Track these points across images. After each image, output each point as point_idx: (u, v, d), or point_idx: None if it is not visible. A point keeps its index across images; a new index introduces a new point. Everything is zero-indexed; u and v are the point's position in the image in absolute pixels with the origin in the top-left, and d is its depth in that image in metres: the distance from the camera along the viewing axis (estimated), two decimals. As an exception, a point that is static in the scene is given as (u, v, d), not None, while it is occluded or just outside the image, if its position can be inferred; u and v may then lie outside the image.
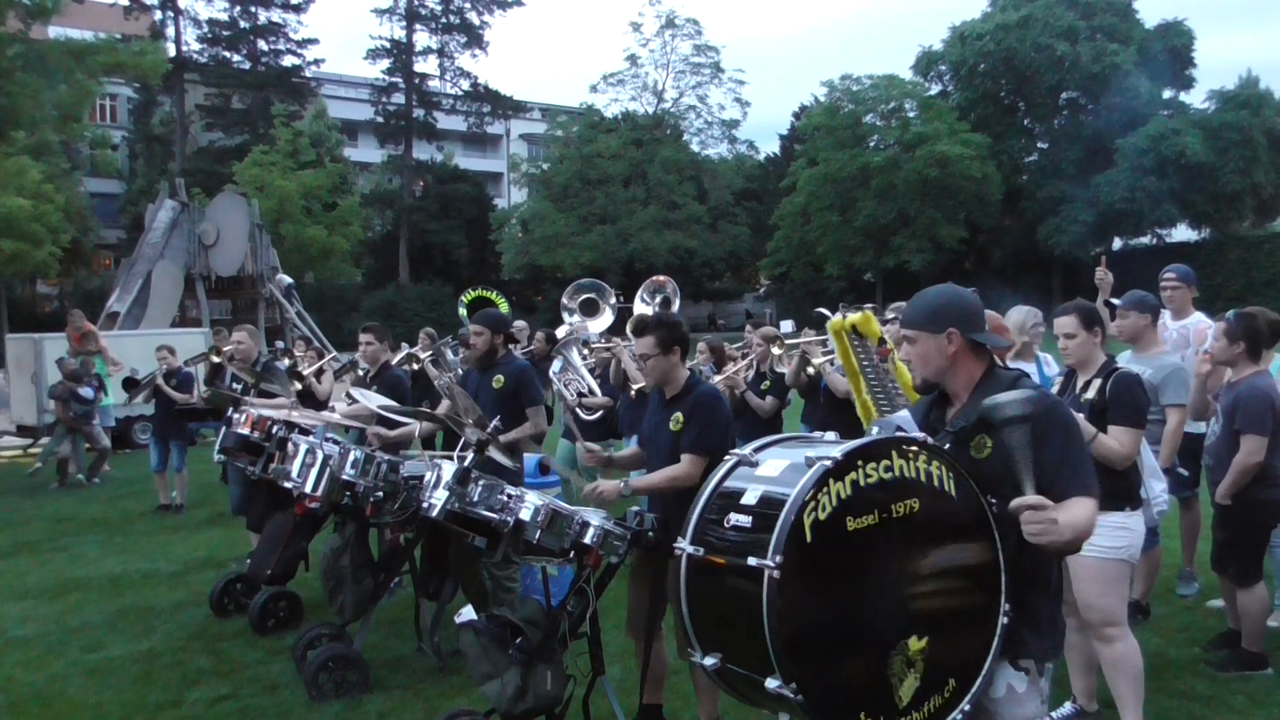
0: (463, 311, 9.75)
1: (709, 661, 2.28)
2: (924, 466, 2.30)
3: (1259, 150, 36.09)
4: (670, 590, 2.41)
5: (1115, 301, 4.95)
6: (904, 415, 2.69)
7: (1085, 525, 2.32)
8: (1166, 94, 40.18)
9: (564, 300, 8.67)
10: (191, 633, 5.91)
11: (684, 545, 2.37)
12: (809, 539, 2.11)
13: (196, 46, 44.92)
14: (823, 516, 2.13)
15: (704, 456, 3.80)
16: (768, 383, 6.97)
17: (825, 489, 2.14)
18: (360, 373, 7.01)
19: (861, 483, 2.20)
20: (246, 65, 45.26)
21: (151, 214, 23.48)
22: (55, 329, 16.02)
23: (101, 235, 43.01)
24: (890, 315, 5.85)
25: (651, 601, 3.92)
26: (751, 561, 2.12)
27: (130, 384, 10.02)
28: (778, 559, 2.07)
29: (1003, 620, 2.38)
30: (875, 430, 2.38)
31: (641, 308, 8.29)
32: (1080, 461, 2.41)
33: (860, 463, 2.21)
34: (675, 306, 8.36)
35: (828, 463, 2.17)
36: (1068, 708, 4.19)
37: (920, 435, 2.38)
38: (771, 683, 2.08)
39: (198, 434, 11.43)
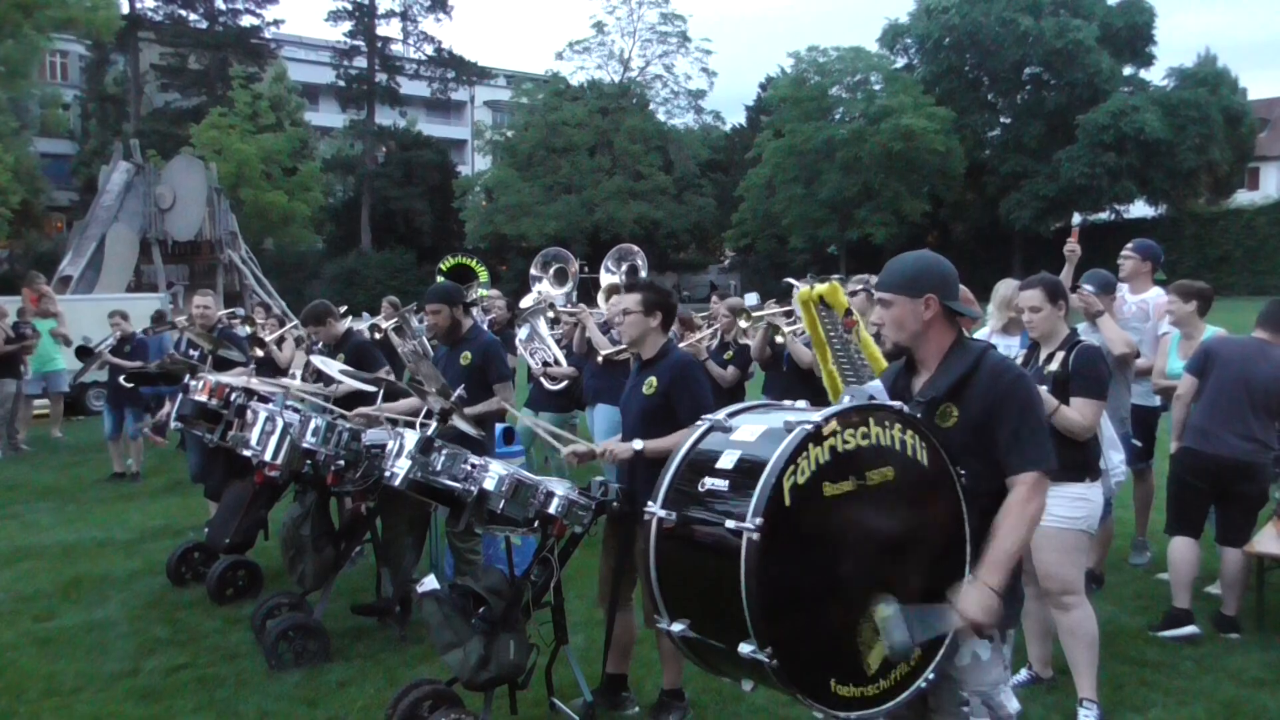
0: (440, 279, 9.64)
1: (677, 628, 2.27)
2: (899, 435, 2.30)
3: (1215, 128, 36.65)
4: (639, 556, 2.39)
5: (1087, 287, 4.99)
6: (877, 385, 2.69)
7: (1028, 507, 2.39)
8: (1127, 71, 40.61)
9: (533, 270, 8.60)
10: (147, 602, 5.82)
11: (654, 509, 2.35)
12: (788, 502, 2.11)
13: (151, 3, 43.52)
14: (802, 481, 2.13)
15: None
16: (730, 353, 6.98)
17: (805, 453, 2.14)
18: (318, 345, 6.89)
19: (840, 449, 2.20)
20: (203, 24, 44.01)
21: (105, 176, 22.94)
22: (4, 292, 15.64)
23: (53, 197, 41.86)
24: (857, 287, 5.87)
25: (616, 571, 3.92)
26: (730, 525, 2.11)
27: (84, 352, 9.80)
28: (758, 521, 2.06)
29: None
30: (848, 399, 2.38)
31: (607, 276, 8.24)
32: (1032, 435, 2.44)
33: (839, 429, 2.21)
34: (642, 275, 8.31)
35: (809, 427, 2.16)
36: (1024, 674, 4.26)
37: (896, 404, 2.39)
38: (745, 647, 2.08)
39: (152, 399, 11.18)
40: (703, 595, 2.27)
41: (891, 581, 2.27)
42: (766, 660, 2.07)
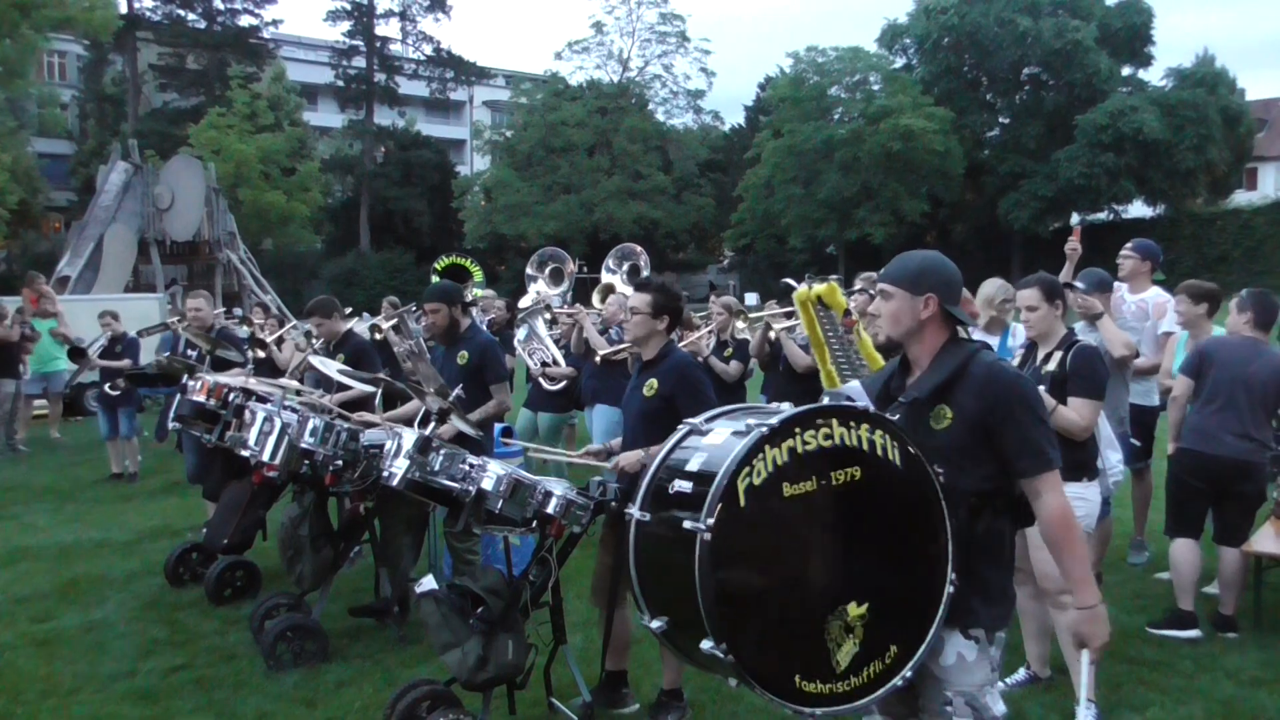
0: (435, 279, 9.64)
1: (655, 624, 2.32)
2: (866, 435, 2.31)
3: (1213, 128, 36.63)
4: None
5: (1079, 285, 4.99)
6: (855, 385, 2.71)
7: (1066, 517, 2.42)
8: (1125, 71, 40.62)
9: (529, 270, 8.61)
10: (145, 603, 5.82)
11: (634, 511, 2.42)
12: (743, 503, 2.15)
13: (150, 3, 43.49)
14: (757, 482, 2.17)
15: None
16: (729, 350, 7.01)
17: (761, 455, 2.18)
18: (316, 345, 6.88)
19: (799, 449, 2.23)
20: (202, 24, 43.98)
21: (103, 176, 22.97)
22: (3, 293, 15.64)
23: (51, 197, 41.80)
24: (859, 285, 5.88)
25: (614, 569, 3.93)
26: (686, 525, 2.16)
27: (77, 353, 9.80)
28: (709, 522, 2.11)
29: (948, 590, 2.40)
30: (825, 400, 2.40)
31: (609, 276, 8.25)
32: (1043, 435, 2.44)
33: (799, 430, 2.24)
34: (644, 275, 8.34)
35: (764, 430, 2.20)
36: (1022, 674, 4.27)
37: (864, 404, 2.42)
38: (705, 644, 2.13)
39: (146, 400, 11.15)
40: (673, 593, 2.31)
41: (862, 579, 2.28)
42: (723, 656, 2.11)
